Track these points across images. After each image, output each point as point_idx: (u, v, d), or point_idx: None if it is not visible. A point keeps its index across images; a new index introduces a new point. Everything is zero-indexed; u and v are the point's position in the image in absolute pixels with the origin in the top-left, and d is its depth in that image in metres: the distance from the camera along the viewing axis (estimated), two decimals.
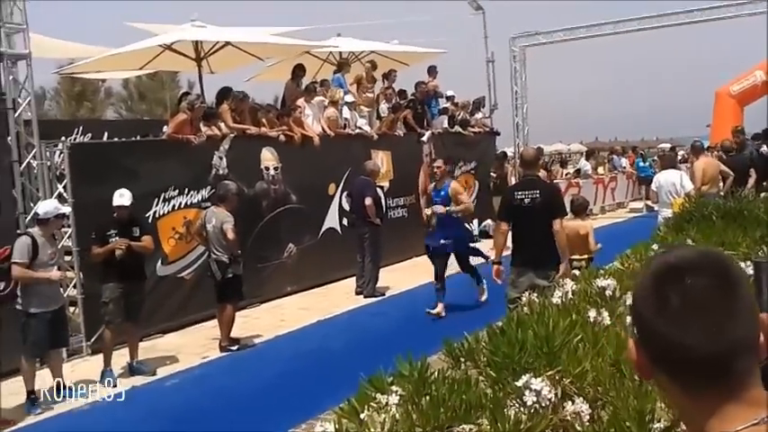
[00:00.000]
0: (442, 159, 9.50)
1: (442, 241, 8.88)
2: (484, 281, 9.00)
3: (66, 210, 7.24)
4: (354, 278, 10.80)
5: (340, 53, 15.33)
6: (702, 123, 26.93)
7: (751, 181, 10.24)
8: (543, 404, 2.14)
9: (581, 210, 8.21)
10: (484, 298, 9.15)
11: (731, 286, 1.02)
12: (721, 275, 1.03)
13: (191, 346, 8.23)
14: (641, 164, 22.00)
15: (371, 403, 2.21)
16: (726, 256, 1.10)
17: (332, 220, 11.95)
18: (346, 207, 11.83)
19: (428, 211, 9.08)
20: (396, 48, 16.58)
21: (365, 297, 10.33)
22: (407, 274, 11.83)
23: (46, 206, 6.76)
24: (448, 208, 8.77)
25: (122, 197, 7.16)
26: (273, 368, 7.38)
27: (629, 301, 3.20)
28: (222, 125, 10.21)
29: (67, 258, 8.06)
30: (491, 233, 14.42)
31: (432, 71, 16.09)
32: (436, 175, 9.09)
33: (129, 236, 7.14)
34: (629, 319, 2.91)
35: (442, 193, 8.92)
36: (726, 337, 1.00)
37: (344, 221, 11.90)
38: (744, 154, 11.66)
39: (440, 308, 8.83)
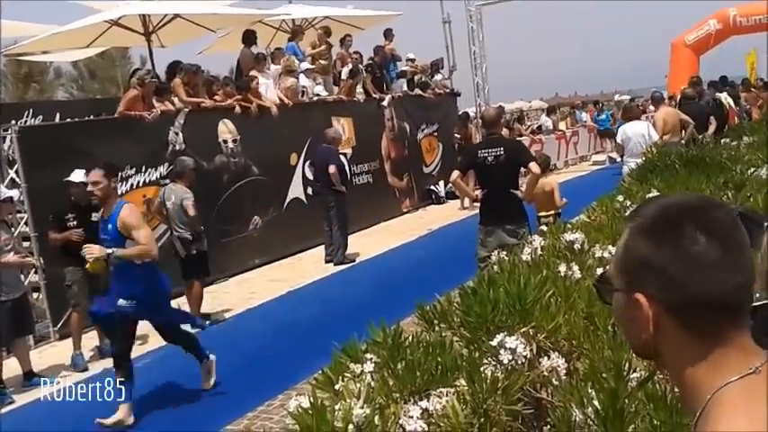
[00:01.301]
0: (100, 169, 5.46)
1: (121, 302, 5.44)
2: (211, 355, 6.02)
3: (12, 193, 7.00)
4: (323, 247, 10.75)
5: (293, 20, 15.05)
6: (660, 74, 27.14)
7: (711, 128, 10.38)
8: (519, 361, 2.13)
9: (544, 166, 8.23)
10: (212, 382, 5.98)
11: (737, 221, 1.03)
12: (728, 212, 1.03)
13: None
14: (598, 117, 22.29)
15: (346, 373, 2.18)
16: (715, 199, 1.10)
17: (296, 191, 11.84)
18: (310, 176, 11.72)
19: (87, 252, 5.38)
20: (350, 12, 16.34)
21: (335, 265, 10.30)
22: (376, 239, 11.87)
23: None
24: (113, 250, 5.32)
25: (74, 174, 6.97)
26: (246, 342, 7.33)
27: (598, 254, 3.22)
28: (176, 100, 9.98)
29: (26, 244, 7.86)
30: (457, 194, 14.49)
31: (388, 34, 15.93)
32: (94, 196, 5.57)
33: (87, 220, 6.94)
34: (599, 271, 2.91)
35: (110, 225, 5.42)
36: (746, 270, 1.00)
37: (309, 191, 11.80)
38: (702, 103, 11.80)
39: (122, 413, 5.35)
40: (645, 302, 1.01)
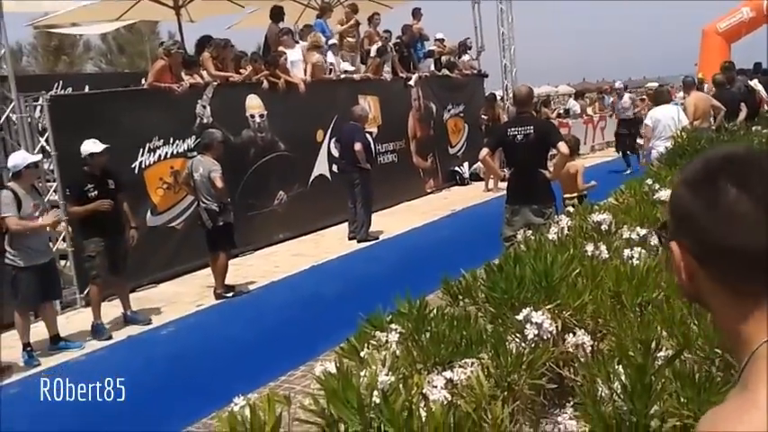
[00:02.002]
0: None
1: None
2: None
3: (36, 158, 7.01)
4: (346, 224, 10.79)
5: None
6: (689, 62, 26.68)
7: (741, 115, 10.22)
8: (545, 337, 2.12)
9: (574, 148, 8.17)
10: None
11: None
12: None
13: (185, 295, 8.22)
14: None
15: (371, 341, 2.19)
16: None
17: (321, 167, 11.86)
18: (335, 153, 11.73)
19: None
20: None
21: (358, 242, 10.33)
22: (399, 218, 11.88)
23: (14, 159, 6.59)
24: None
25: (85, 144, 7.02)
26: (270, 313, 7.40)
27: (625, 235, 3.20)
28: (204, 73, 10.01)
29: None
30: (482, 176, 14.44)
31: (416, 13, 15.79)
32: None
33: (106, 189, 7.00)
34: (626, 252, 2.89)
35: None
36: None
37: (334, 168, 11.82)
38: (733, 89, 11.60)
39: None
40: (677, 251, 1.05)
